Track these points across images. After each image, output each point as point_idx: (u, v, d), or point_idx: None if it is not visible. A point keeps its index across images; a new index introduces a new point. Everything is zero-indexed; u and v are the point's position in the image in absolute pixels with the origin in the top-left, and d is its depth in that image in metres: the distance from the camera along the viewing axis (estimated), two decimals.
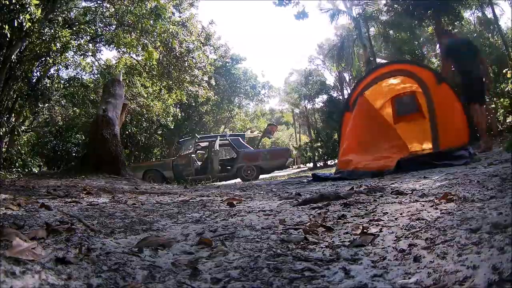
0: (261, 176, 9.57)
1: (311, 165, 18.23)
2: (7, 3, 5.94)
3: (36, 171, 10.77)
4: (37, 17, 6.64)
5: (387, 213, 1.42)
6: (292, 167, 19.52)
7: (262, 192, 2.98)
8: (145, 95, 11.66)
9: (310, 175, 4.54)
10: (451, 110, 4.16)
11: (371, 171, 3.71)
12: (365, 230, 1.15)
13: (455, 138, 3.94)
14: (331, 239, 1.14)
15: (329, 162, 16.25)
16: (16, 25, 6.32)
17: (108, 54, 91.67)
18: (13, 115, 10.63)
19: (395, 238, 1.04)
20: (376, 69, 5.19)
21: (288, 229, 1.31)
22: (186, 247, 1.10)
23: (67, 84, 11.95)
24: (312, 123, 28.38)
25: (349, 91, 28.31)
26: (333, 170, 9.30)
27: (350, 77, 27.58)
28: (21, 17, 6.22)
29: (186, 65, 11.38)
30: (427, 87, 4.36)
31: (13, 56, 7.97)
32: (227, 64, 23.27)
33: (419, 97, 5.02)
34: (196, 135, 10.97)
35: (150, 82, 11.57)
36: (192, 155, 9.66)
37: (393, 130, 4.73)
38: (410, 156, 4.14)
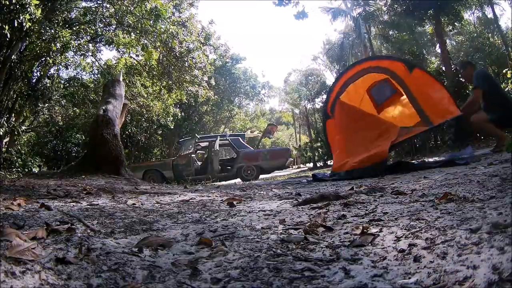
0: (261, 176, 9.57)
1: (311, 165, 18.24)
2: (7, 3, 5.94)
3: (36, 171, 10.77)
4: (37, 17, 6.64)
5: (387, 213, 1.42)
6: (292, 167, 19.50)
7: (262, 192, 2.98)
8: (145, 95, 11.66)
9: (310, 175, 4.54)
10: (430, 89, 4.15)
11: (366, 166, 3.71)
12: (365, 230, 1.15)
13: (444, 111, 3.95)
14: (331, 239, 1.14)
15: (329, 162, 16.26)
16: (16, 25, 6.31)
17: (108, 54, 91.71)
18: (13, 115, 10.64)
19: (395, 238, 1.04)
20: (345, 72, 5.10)
21: (288, 229, 1.32)
22: (186, 247, 1.10)
23: (67, 84, 11.96)
24: (312, 123, 28.38)
25: None
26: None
27: None
28: (21, 17, 6.22)
29: (186, 65, 11.38)
30: (401, 78, 4.35)
31: (13, 56, 7.97)
32: (227, 64, 23.27)
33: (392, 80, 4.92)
34: (196, 135, 10.98)
35: (150, 82, 11.58)
36: (192, 155, 9.66)
37: (376, 117, 4.73)
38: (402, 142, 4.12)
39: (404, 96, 4.58)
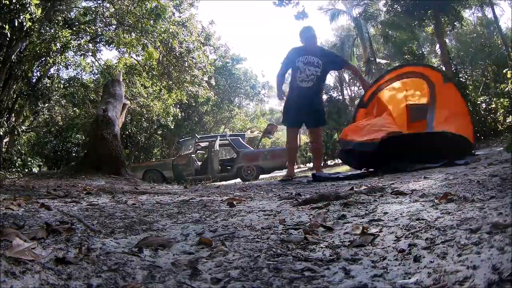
0: (261, 176, 9.56)
1: (311, 165, 18.24)
2: (7, 3, 5.94)
3: (36, 171, 10.78)
4: (37, 16, 6.64)
5: (387, 213, 1.42)
6: None
7: (262, 192, 2.97)
8: (145, 95, 11.67)
9: (310, 175, 4.55)
10: (454, 109, 4.15)
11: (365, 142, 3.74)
12: (365, 230, 1.15)
13: (453, 130, 3.89)
14: (331, 239, 1.14)
15: (329, 162, 16.25)
16: (16, 24, 6.32)
17: (108, 54, 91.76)
18: (13, 115, 10.64)
19: (395, 238, 1.04)
20: (392, 70, 5.36)
21: (288, 229, 1.31)
22: (186, 247, 1.10)
23: (67, 84, 11.98)
24: None
25: (349, 91, 28.04)
26: (333, 170, 9.29)
27: (350, 77, 27.57)
28: (21, 17, 6.22)
29: (186, 65, 11.38)
30: (433, 83, 4.42)
31: (13, 56, 7.97)
32: (227, 64, 23.25)
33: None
34: (196, 135, 10.97)
35: (150, 82, 11.58)
36: (192, 155, 9.67)
37: (392, 117, 4.83)
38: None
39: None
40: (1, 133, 9.34)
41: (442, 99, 4.23)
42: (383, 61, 20.07)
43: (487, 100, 10.43)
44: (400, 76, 4.96)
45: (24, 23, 6.32)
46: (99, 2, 10.36)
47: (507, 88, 9.80)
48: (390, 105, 5.60)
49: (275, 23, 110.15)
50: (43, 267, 0.79)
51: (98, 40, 10.95)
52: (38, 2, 6.46)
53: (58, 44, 8.31)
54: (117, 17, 9.98)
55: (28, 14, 6.23)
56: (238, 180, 8.98)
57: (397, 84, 5.10)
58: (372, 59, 17.58)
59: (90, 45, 10.98)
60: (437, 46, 17.52)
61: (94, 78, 13.06)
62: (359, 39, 17.96)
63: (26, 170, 10.55)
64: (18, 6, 6.14)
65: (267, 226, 1.38)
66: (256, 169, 9.39)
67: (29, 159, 11.67)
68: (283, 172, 13.21)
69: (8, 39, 7.03)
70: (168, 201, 2.41)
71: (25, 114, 11.98)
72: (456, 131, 3.92)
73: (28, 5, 6.16)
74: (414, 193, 1.86)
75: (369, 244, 1.01)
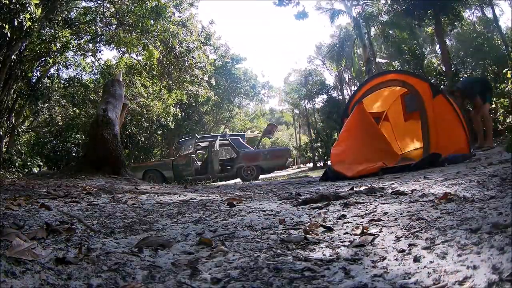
0: (261, 176, 9.56)
1: (311, 165, 18.25)
2: (7, 2, 5.93)
3: (36, 171, 10.77)
4: (37, 16, 6.64)
5: (387, 213, 1.42)
6: (292, 167, 19.50)
7: (262, 192, 2.98)
8: (145, 95, 11.65)
9: (311, 175, 4.58)
10: (446, 124, 4.09)
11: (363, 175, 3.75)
12: (365, 230, 1.15)
13: (449, 147, 3.86)
14: (331, 239, 1.14)
15: (329, 162, 16.25)
16: (16, 24, 6.31)
17: (108, 54, 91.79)
18: (13, 115, 10.63)
19: (395, 238, 1.04)
20: (373, 78, 5.19)
21: (288, 229, 1.31)
22: (186, 247, 1.10)
23: (67, 84, 11.96)
24: (312, 123, 28.39)
25: (349, 91, 28.11)
26: None
27: (350, 77, 27.59)
28: (21, 17, 6.21)
29: (186, 64, 11.38)
30: (422, 100, 4.33)
31: (13, 56, 7.96)
32: (227, 64, 23.26)
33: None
34: (196, 135, 10.96)
35: (150, 82, 11.57)
36: (192, 155, 9.66)
37: (384, 138, 4.84)
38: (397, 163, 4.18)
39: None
40: (1, 133, 9.34)
41: (433, 115, 4.17)
42: (383, 61, 20.07)
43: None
44: (383, 84, 4.84)
45: (24, 23, 6.30)
46: (99, 1, 10.36)
47: (507, 88, 9.80)
48: (378, 104, 5.56)
49: (275, 23, 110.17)
50: (43, 267, 0.79)
51: (98, 40, 10.94)
52: (38, 1, 6.45)
53: (58, 44, 8.29)
54: (117, 16, 9.97)
55: (28, 14, 6.22)
56: (238, 180, 8.98)
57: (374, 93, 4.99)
58: (372, 59, 17.57)
59: (90, 45, 10.96)
60: (437, 46, 17.51)
61: (94, 78, 13.05)
62: (359, 39, 17.94)
63: (26, 170, 10.53)
64: (18, 6, 6.13)
65: (267, 226, 1.38)
66: (256, 169, 9.39)
67: (29, 159, 11.65)
68: (283, 172, 13.22)
69: (8, 39, 7.02)
70: (168, 201, 2.41)
71: (25, 114, 11.96)
72: (451, 143, 3.95)
73: (28, 5, 6.15)
74: (414, 193, 1.86)
75: (369, 244, 1.01)
